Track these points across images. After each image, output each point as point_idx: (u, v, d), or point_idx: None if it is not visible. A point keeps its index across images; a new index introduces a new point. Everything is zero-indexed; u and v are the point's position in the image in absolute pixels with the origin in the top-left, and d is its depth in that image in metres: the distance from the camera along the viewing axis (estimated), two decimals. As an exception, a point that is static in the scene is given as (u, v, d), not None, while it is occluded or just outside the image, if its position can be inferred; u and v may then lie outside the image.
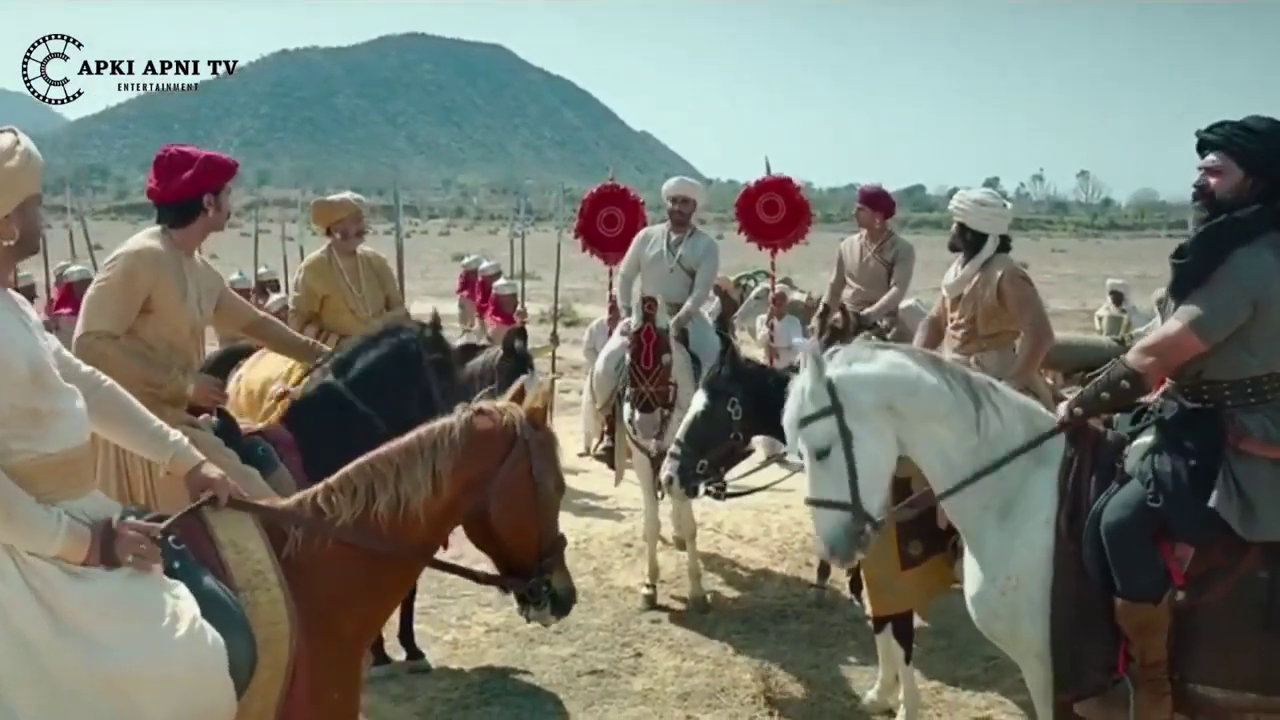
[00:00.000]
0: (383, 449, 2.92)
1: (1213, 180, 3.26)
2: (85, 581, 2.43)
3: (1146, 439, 3.36)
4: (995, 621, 3.55)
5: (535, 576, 3.01)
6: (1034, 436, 3.47)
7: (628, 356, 5.99)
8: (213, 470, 2.84)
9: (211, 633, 2.50)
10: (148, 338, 3.81)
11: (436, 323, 4.88)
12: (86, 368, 2.78)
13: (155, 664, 2.42)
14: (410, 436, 2.93)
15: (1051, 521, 3.38)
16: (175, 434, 2.88)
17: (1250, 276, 3.12)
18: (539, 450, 2.97)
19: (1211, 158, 3.27)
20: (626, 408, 6.11)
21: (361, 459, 2.91)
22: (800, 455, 3.60)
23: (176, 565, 2.60)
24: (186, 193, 3.87)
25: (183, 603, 2.51)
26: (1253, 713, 3.24)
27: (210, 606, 2.55)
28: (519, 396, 3.11)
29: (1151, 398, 3.45)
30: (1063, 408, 3.51)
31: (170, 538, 2.62)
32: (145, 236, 3.90)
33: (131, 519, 2.58)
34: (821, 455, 3.47)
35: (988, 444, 3.48)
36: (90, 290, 3.81)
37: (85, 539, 2.43)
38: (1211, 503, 3.11)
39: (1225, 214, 3.20)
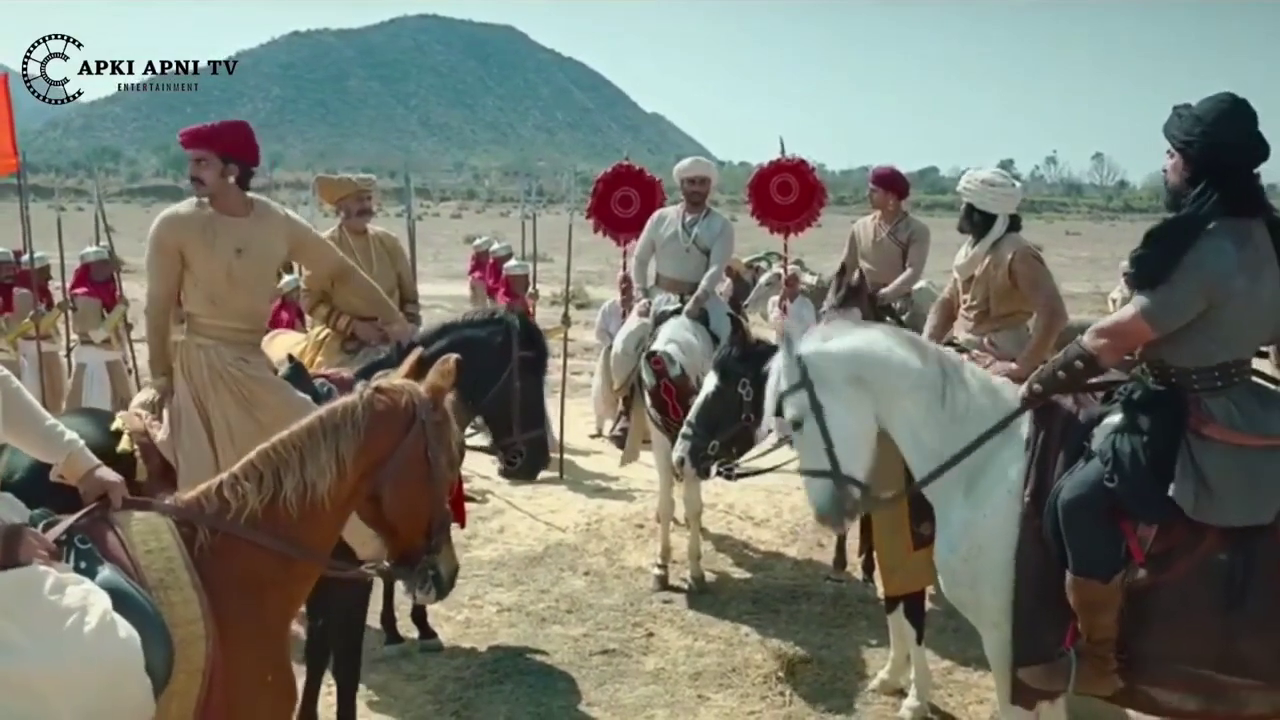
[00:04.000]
0: (284, 432, 2.85)
1: (1166, 172, 3.29)
2: None
3: (1115, 419, 3.37)
4: (958, 587, 3.63)
5: (424, 557, 2.96)
6: (1000, 415, 3.53)
7: (655, 413, 6.06)
8: (108, 474, 2.79)
9: (125, 627, 2.39)
10: (186, 288, 4.16)
11: (530, 323, 4.93)
12: None
13: (63, 662, 2.29)
14: (311, 418, 2.87)
15: (1016, 494, 3.43)
16: (70, 435, 2.84)
17: (1207, 270, 3.11)
18: (435, 431, 2.91)
19: (1167, 148, 3.28)
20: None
21: (264, 444, 2.83)
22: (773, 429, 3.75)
23: (83, 565, 2.51)
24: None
25: (92, 595, 2.39)
26: (1207, 692, 3.22)
27: (122, 605, 2.44)
28: (414, 373, 3.03)
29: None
30: (1023, 386, 3.55)
31: (77, 537, 2.55)
32: (178, 205, 4.20)
33: (36, 526, 2.52)
34: (798, 427, 3.61)
35: (954, 420, 3.56)
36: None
37: None
38: (1171, 491, 3.12)
39: (1178, 208, 3.21)
